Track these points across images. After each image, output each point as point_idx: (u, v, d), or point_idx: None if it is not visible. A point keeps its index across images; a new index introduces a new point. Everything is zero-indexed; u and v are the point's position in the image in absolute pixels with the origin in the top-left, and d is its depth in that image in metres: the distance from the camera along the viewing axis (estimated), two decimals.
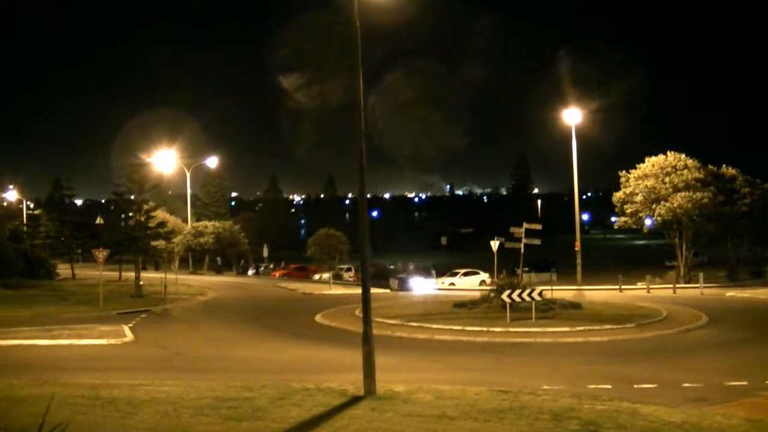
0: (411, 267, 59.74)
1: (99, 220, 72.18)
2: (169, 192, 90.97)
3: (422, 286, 45.89)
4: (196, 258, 73.70)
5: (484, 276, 50.45)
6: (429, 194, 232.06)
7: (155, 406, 11.21)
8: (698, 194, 43.84)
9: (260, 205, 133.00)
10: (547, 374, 16.78)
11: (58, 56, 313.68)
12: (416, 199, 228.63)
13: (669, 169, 45.58)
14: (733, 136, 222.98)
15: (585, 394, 13.07)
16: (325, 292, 44.92)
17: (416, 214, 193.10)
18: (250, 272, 71.96)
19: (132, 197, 43.91)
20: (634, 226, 48.60)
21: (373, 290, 15.20)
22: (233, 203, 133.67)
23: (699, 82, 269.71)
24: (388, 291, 43.92)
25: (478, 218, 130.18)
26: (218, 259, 75.36)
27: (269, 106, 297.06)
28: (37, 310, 31.73)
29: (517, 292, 26.18)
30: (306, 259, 73.09)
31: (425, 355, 20.30)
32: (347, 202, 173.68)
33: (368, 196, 13.95)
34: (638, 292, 40.59)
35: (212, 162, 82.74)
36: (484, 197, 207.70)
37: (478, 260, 60.18)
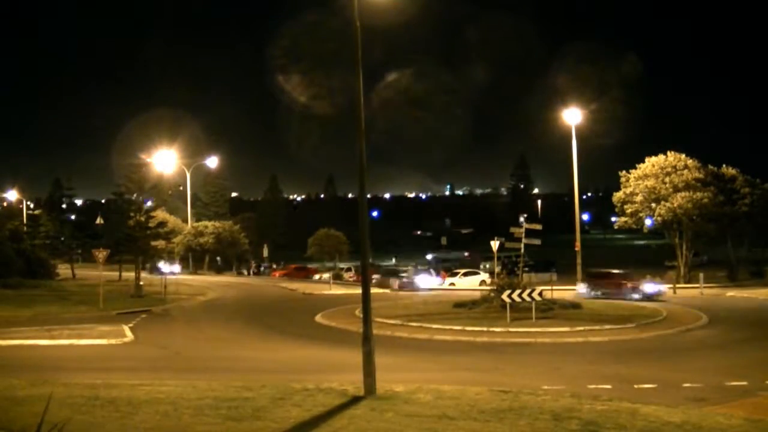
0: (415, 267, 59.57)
1: (99, 220, 72.20)
2: (169, 192, 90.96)
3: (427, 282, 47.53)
4: (196, 258, 73.68)
5: (484, 276, 50.46)
6: (429, 194, 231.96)
7: (155, 406, 11.20)
8: (698, 194, 43.84)
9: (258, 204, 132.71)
10: (547, 374, 16.77)
11: (59, 56, 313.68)
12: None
13: (669, 169, 45.58)
14: (734, 136, 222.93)
15: (585, 394, 13.06)
16: (325, 292, 44.90)
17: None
18: (248, 272, 71.77)
19: (132, 197, 43.95)
20: (634, 226, 48.59)
21: (373, 290, 15.19)
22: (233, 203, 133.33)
23: (700, 81, 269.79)
24: (388, 291, 43.94)
25: (478, 218, 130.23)
26: (218, 259, 75.40)
27: (269, 106, 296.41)
28: (37, 310, 31.70)
29: (517, 292, 26.18)
30: (306, 259, 73.06)
31: (425, 355, 20.29)
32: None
33: (368, 196, 13.94)
34: None
35: (212, 162, 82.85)
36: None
37: (477, 260, 60.22)
